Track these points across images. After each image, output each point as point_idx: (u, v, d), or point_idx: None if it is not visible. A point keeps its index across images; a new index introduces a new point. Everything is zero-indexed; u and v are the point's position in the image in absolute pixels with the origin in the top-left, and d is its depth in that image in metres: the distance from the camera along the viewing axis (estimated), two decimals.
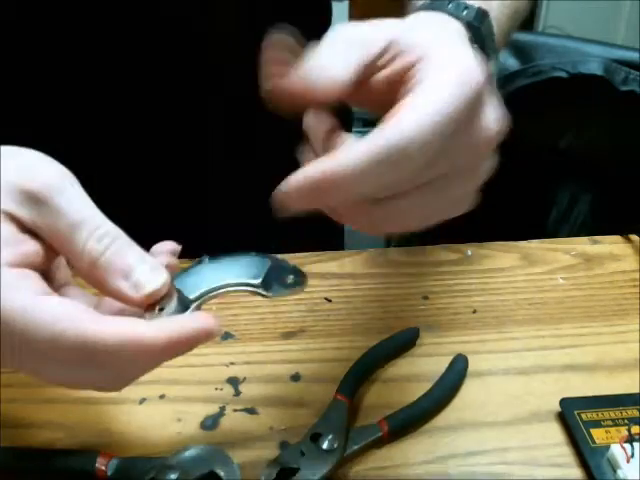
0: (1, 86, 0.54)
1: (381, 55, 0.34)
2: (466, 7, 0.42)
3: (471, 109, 0.33)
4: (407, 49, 0.34)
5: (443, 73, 0.33)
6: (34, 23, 0.53)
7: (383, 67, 0.34)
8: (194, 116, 0.60)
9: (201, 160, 0.63)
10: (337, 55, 0.33)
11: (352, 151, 0.31)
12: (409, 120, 0.31)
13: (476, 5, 0.43)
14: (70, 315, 0.29)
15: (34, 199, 0.31)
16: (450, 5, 0.41)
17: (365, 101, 0.37)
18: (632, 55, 0.83)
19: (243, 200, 0.64)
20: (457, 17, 0.40)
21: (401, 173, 0.32)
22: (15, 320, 0.29)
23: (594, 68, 0.81)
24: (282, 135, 0.67)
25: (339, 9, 1.97)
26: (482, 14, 0.42)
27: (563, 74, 0.82)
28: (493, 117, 0.35)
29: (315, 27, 0.68)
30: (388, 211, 0.34)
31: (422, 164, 0.32)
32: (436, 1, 0.42)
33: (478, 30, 0.40)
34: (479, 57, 0.35)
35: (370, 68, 0.34)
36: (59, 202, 0.31)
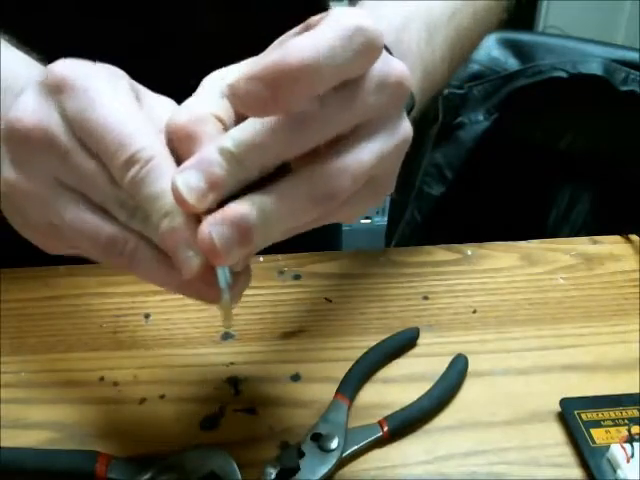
0: None
1: None
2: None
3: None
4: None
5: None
6: None
7: None
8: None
9: None
10: None
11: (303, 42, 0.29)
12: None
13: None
14: None
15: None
16: None
17: None
18: (632, 55, 0.83)
19: None
20: None
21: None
22: None
23: (594, 68, 0.81)
24: None
25: None
26: None
27: (563, 74, 0.82)
28: (396, 62, 0.33)
29: None
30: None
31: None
32: None
33: None
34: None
35: None
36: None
